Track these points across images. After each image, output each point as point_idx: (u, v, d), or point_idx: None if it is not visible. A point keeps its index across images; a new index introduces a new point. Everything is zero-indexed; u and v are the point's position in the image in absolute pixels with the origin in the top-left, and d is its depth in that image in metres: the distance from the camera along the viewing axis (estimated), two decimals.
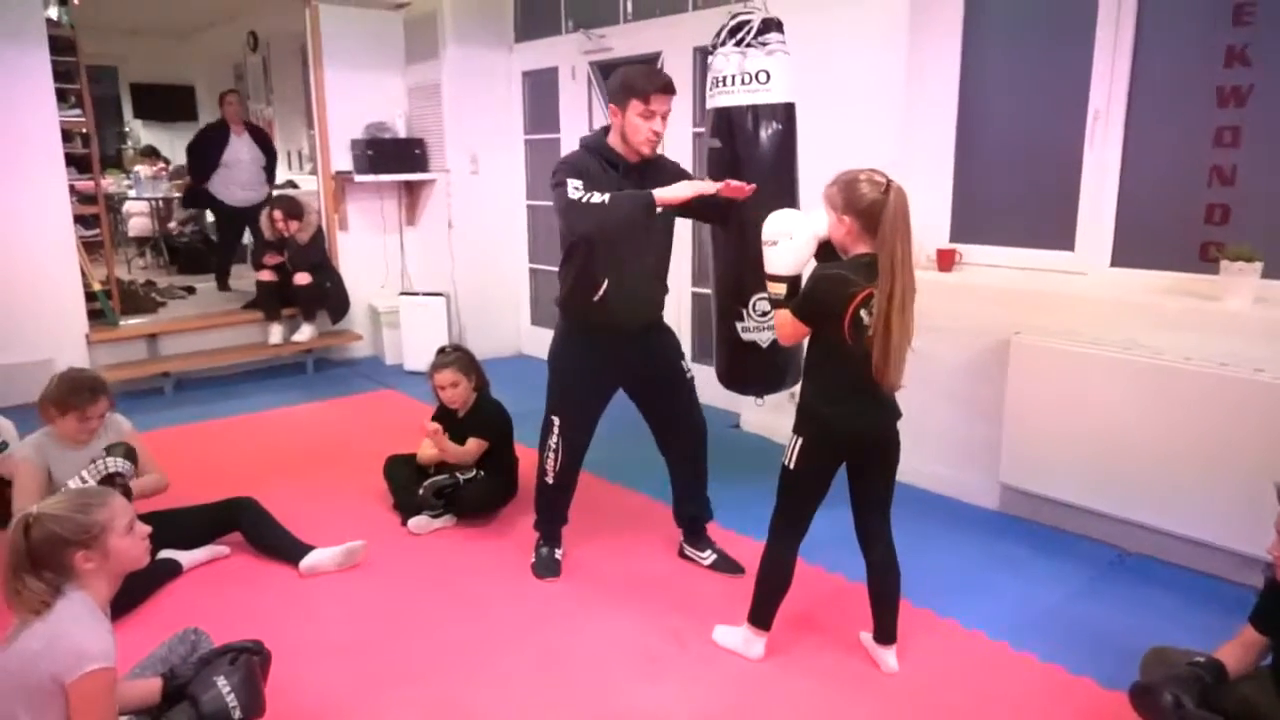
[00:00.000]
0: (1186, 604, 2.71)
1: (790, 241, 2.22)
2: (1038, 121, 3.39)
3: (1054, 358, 3.05)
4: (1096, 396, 2.94)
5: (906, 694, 2.28)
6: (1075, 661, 2.39)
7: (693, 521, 2.98)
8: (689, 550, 2.99)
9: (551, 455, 2.83)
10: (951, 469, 3.51)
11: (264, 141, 6.59)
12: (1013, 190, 3.52)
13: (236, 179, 6.43)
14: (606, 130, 2.67)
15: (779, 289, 2.24)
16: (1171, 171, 3.07)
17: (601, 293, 2.63)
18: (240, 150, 6.42)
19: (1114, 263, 3.19)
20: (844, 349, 2.11)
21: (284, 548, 2.98)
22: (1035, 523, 3.26)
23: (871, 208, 2.07)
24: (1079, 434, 3.00)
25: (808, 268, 2.24)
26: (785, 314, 2.22)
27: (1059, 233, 3.30)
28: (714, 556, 2.94)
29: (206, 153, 6.45)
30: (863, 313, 2.08)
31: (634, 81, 2.55)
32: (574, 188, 2.49)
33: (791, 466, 2.25)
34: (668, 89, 2.55)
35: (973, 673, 2.37)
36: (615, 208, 2.46)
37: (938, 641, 2.51)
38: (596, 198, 2.46)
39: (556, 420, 2.81)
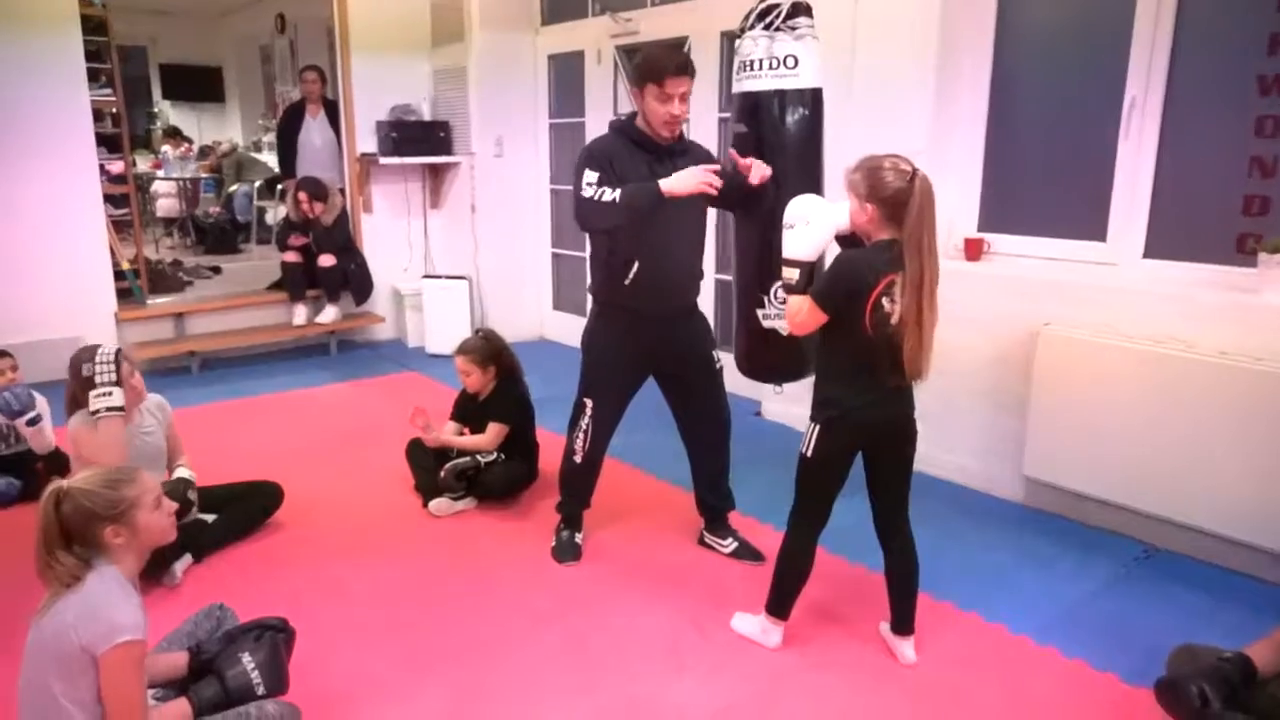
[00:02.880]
0: (1216, 602, 2.67)
1: (806, 227, 2.20)
2: (1071, 109, 3.33)
3: (1083, 350, 3.01)
4: (1126, 390, 2.90)
5: (927, 687, 2.27)
6: (1099, 658, 2.36)
7: (714, 509, 2.98)
8: (709, 538, 2.99)
9: (581, 435, 2.84)
10: (976, 461, 3.47)
11: (339, 120, 5.97)
12: (1044, 179, 3.46)
13: (310, 164, 5.94)
14: (635, 113, 2.66)
15: (792, 274, 2.21)
16: (1209, 161, 3.01)
17: (632, 276, 2.62)
18: (313, 133, 6.03)
19: (1147, 254, 3.13)
20: (861, 336, 2.09)
21: (207, 535, 2.90)
22: (1060, 517, 3.22)
23: (896, 196, 2.05)
24: (1107, 428, 2.95)
25: (828, 256, 2.22)
26: (800, 300, 2.18)
27: (1090, 223, 3.24)
28: (734, 544, 2.93)
29: (288, 138, 6.11)
30: (884, 300, 2.06)
31: (650, 64, 2.54)
32: (588, 184, 2.50)
33: (810, 455, 2.24)
34: (683, 70, 2.52)
35: (994, 667, 2.35)
36: (623, 206, 2.46)
37: (959, 635, 2.49)
38: (607, 195, 2.47)
39: (589, 403, 2.82)
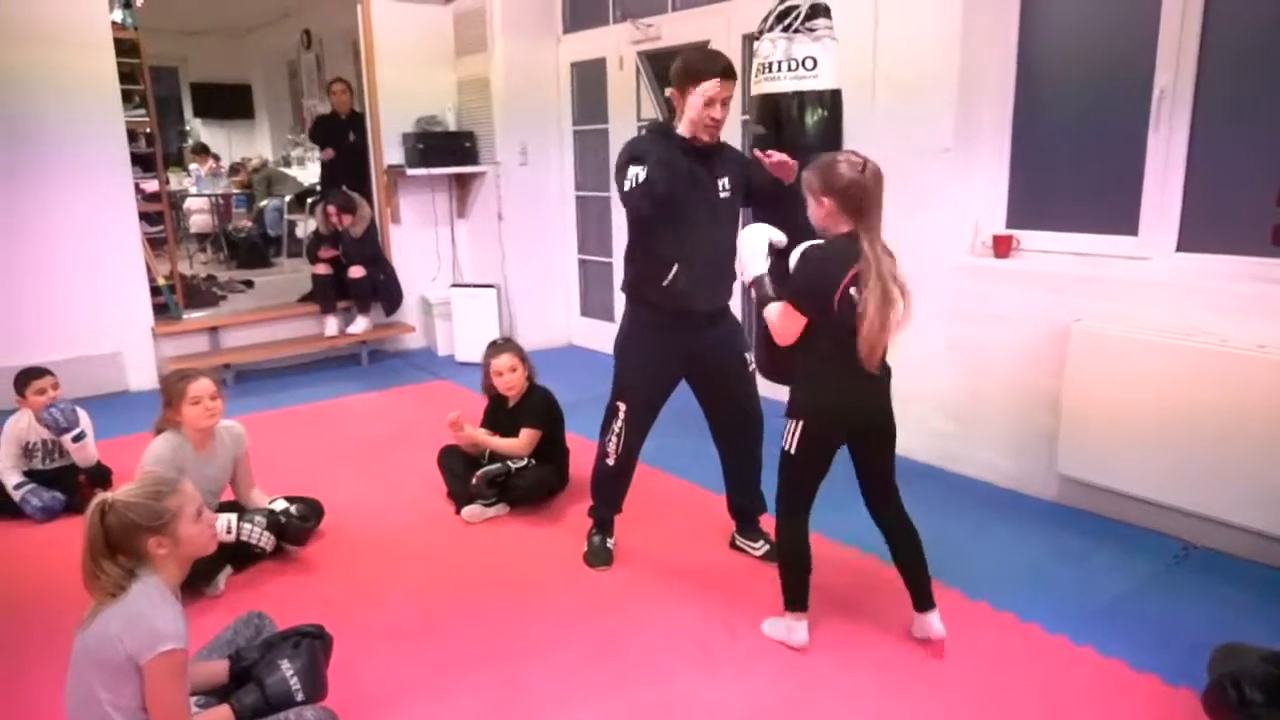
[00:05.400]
0: (1257, 599, 2.62)
1: (743, 251, 2.34)
2: (1099, 101, 3.28)
3: (1116, 345, 2.97)
4: (1161, 386, 2.85)
5: (961, 688, 2.25)
6: (1138, 657, 2.33)
7: (745, 512, 2.97)
8: (740, 540, 2.99)
9: (614, 439, 2.84)
10: (1008, 459, 3.43)
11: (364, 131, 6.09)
12: (1072, 173, 3.41)
13: (341, 171, 6.24)
14: (670, 118, 2.66)
15: (755, 294, 2.31)
16: (1242, 151, 2.95)
17: (671, 277, 2.63)
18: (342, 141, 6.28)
19: (1180, 247, 3.08)
20: (834, 328, 2.14)
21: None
22: (1095, 515, 3.18)
23: (849, 188, 2.11)
24: (1142, 424, 2.91)
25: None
26: (775, 308, 2.21)
27: (1121, 217, 3.20)
28: (766, 547, 2.93)
29: (325, 141, 6.46)
30: (851, 290, 2.11)
31: (693, 66, 2.54)
32: (630, 179, 2.50)
33: (792, 451, 2.27)
34: (728, 74, 2.53)
35: (1030, 667, 2.32)
36: (654, 177, 2.47)
37: (994, 635, 2.47)
38: (641, 175, 2.48)
39: (622, 406, 2.82)
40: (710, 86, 2.49)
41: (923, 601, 2.38)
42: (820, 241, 2.20)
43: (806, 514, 2.36)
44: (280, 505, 2.96)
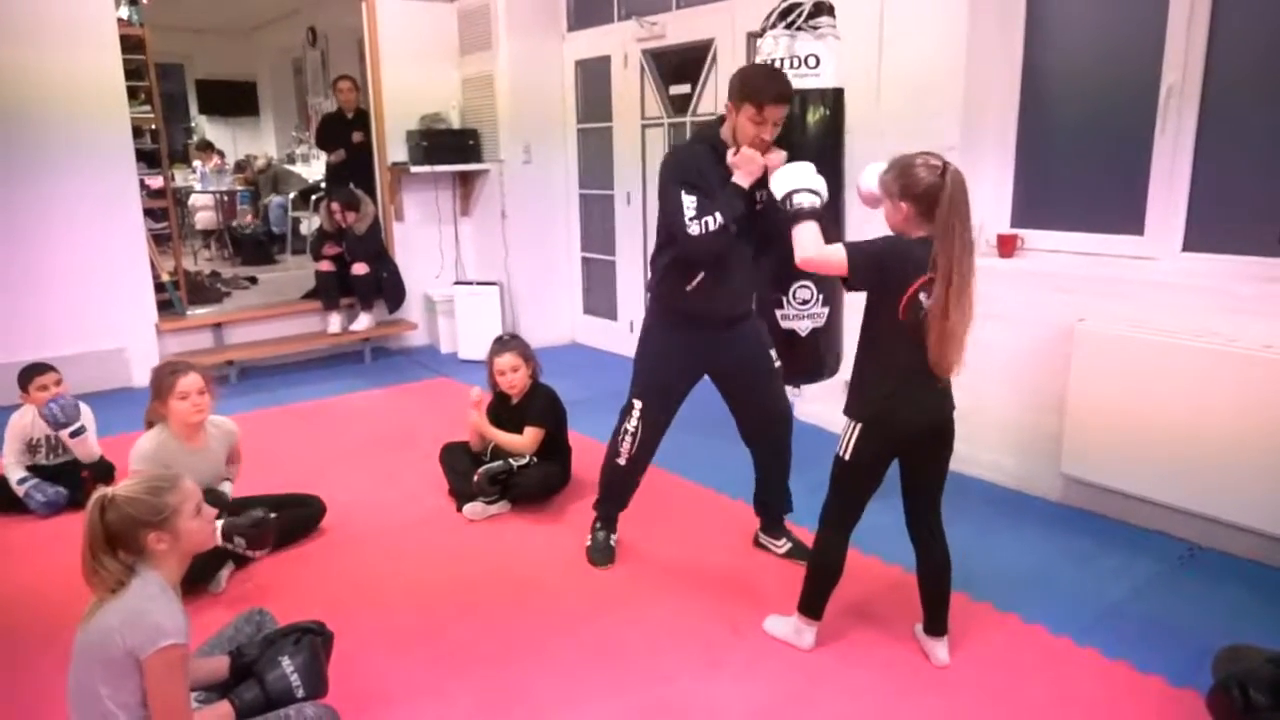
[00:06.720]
0: (1263, 601, 2.61)
1: (788, 172, 2.30)
2: (1106, 100, 3.27)
3: (1121, 346, 2.95)
4: (1166, 386, 2.84)
5: (964, 688, 2.24)
6: (1143, 659, 2.32)
7: (772, 510, 2.95)
8: (764, 538, 2.97)
9: (629, 438, 2.81)
10: (1013, 460, 3.42)
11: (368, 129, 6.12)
12: (1078, 172, 3.40)
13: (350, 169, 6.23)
14: (721, 120, 2.61)
15: (804, 199, 2.24)
16: (1249, 151, 2.94)
17: (697, 282, 2.61)
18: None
19: (1186, 247, 3.06)
20: (899, 332, 2.08)
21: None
22: (1100, 515, 3.17)
23: (928, 192, 2.03)
24: (1147, 424, 2.90)
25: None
26: (812, 229, 2.17)
27: (1127, 216, 3.19)
28: (789, 545, 2.91)
29: (323, 145, 6.52)
30: (921, 295, 2.05)
31: (753, 85, 2.48)
32: (691, 218, 2.47)
33: (847, 458, 2.21)
34: (781, 98, 2.47)
35: (1034, 669, 2.31)
36: (729, 222, 2.46)
37: (997, 636, 2.45)
38: (712, 224, 2.46)
39: (638, 404, 2.79)
40: (767, 111, 2.44)
41: (935, 626, 2.33)
42: (907, 238, 2.11)
43: (850, 530, 2.29)
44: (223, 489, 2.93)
